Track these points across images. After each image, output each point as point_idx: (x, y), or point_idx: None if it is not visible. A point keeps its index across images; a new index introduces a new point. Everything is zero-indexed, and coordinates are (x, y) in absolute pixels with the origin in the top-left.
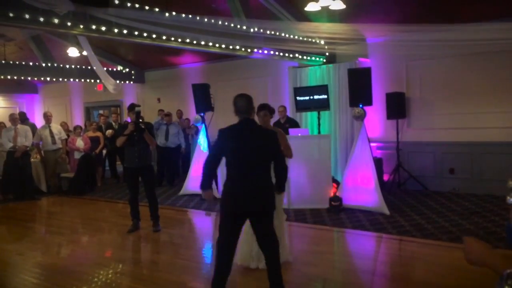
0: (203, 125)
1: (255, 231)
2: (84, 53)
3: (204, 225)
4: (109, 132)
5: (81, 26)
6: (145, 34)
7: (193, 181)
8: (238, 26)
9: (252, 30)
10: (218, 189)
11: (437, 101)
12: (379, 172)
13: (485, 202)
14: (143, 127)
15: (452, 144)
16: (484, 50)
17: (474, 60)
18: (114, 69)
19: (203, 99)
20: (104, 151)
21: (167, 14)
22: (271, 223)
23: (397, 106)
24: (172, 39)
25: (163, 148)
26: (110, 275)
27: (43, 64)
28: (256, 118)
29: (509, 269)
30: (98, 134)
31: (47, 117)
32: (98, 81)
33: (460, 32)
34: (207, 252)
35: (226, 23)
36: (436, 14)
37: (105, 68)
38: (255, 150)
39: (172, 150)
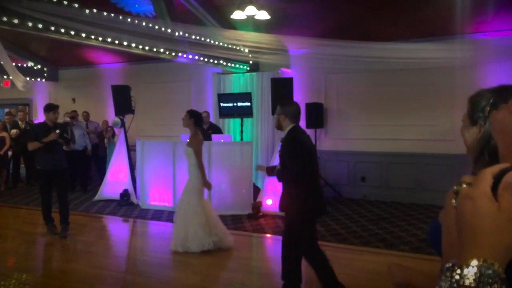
0: (123, 128)
1: (313, 233)
2: None
3: (121, 232)
4: (14, 132)
5: None
6: (62, 30)
7: (109, 185)
8: (163, 29)
9: (177, 33)
10: (136, 195)
11: (352, 113)
12: None
13: (392, 209)
14: (68, 137)
15: (364, 153)
16: (395, 68)
17: (386, 76)
18: (25, 65)
19: (123, 101)
20: (10, 153)
21: (87, 11)
22: None
23: (315, 116)
24: (92, 37)
25: (70, 152)
26: (11, 286)
27: None
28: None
29: (450, 262)
30: (4, 134)
31: None
32: (5, 77)
33: (373, 50)
34: (122, 260)
35: (150, 25)
36: (353, 32)
37: (14, 64)
38: (315, 154)
39: (79, 153)
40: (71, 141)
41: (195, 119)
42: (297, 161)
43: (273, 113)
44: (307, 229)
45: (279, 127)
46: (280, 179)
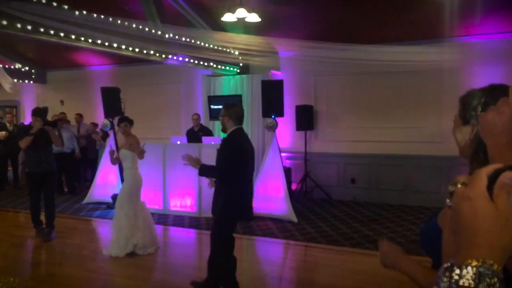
0: (112, 130)
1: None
2: None
3: (110, 235)
4: (2, 133)
5: None
6: (51, 32)
7: (98, 188)
8: (153, 31)
9: (167, 35)
10: None
11: (342, 115)
12: (288, 181)
13: (381, 210)
14: (51, 122)
15: (354, 155)
16: (384, 70)
17: (375, 79)
18: (12, 67)
19: (113, 103)
20: None
21: (77, 13)
22: None
23: (305, 118)
24: (82, 39)
25: (59, 154)
26: None
27: None
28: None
29: (448, 262)
30: None
31: None
32: None
33: (362, 52)
34: (112, 263)
35: (141, 27)
36: (343, 34)
37: (1, 65)
38: (251, 159)
39: (68, 156)
40: (52, 130)
41: (131, 124)
42: (226, 161)
43: (263, 116)
44: (228, 228)
45: (224, 129)
46: (201, 174)
